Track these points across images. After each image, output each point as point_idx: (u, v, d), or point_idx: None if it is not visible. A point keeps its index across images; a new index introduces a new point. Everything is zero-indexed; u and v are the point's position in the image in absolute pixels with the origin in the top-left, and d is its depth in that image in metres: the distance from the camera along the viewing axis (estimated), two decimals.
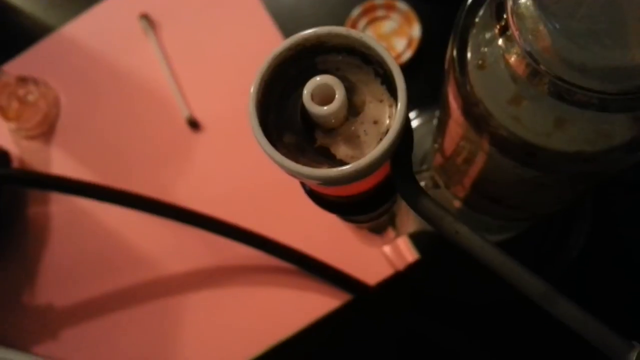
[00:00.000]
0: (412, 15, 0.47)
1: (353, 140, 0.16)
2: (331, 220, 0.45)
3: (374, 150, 0.15)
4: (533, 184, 0.23)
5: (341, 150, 0.16)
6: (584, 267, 0.40)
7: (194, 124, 0.48)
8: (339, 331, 0.43)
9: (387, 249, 0.43)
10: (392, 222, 0.32)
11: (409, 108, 0.16)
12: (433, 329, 0.42)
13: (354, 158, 0.16)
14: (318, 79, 0.16)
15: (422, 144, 0.42)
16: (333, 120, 0.16)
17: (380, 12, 0.47)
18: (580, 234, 0.41)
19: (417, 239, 0.42)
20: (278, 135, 0.17)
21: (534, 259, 0.41)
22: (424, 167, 0.39)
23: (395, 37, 0.47)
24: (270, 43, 0.49)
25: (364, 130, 0.16)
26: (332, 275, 0.43)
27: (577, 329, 0.16)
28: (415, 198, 0.16)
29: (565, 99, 0.18)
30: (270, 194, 0.46)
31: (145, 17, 0.51)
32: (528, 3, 0.17)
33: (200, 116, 0.49)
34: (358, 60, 0.17)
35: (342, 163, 0.16)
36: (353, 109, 0.17)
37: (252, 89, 0.16)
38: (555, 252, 0.41)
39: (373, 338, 0.43)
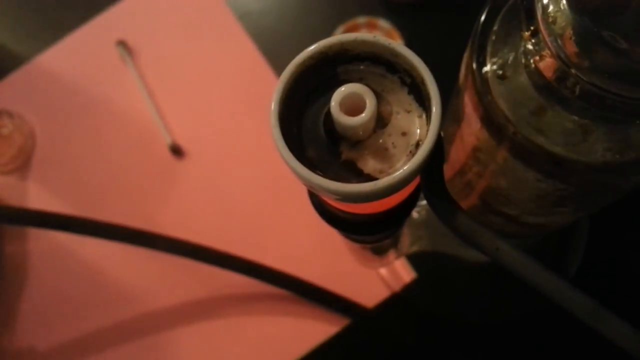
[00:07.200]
0: (395, 33, 0.46)
1: (381, 153, 0.15)
2: (325, 243, 0.44)
3: (409, 164, 0.14)
4: (552, 198, 0.22)
5: (369, 164, 0.15)
6: (583, 283, 0.40)
7: (177, 151, 0.47)
8: (340, 357, 0.41)
9: (383, 270, 0.41)
10: (394, 243, 0.31)
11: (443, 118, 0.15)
12: (433, 348, 0.40)
13: (383, 172, 0.15)
14: (344, 88, 0.14)
15: None
16: (361, 132, 0.15)
17: (362, 31, 0.47)
18: (577, 249, 0.41)
19: (414, 259, 0.41)
20: (301, 149, 0.15)
21: None
22: None
23: None
24: (252, 65, 0.48)
25: (392, 143, 0.15)
26: (328, 300, 0.41)
27: (629, 348, 0.15)
28: (451, 215, 0.15)
29: (595, 104, 0.17)
30: (259, 218, 0.45)
31: (122, 44, 0.50)
32: (562, 7, 0.16)
33: (183, 143, 0.47)
34: (382, 69, 0.16)
35: (370, 178, 0.15)
36: (380, 120, 0.15)
37: (273, 101, 0.15)
38: (553, 269, 0.40)
39: None
